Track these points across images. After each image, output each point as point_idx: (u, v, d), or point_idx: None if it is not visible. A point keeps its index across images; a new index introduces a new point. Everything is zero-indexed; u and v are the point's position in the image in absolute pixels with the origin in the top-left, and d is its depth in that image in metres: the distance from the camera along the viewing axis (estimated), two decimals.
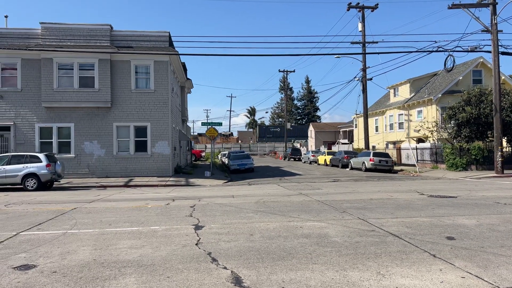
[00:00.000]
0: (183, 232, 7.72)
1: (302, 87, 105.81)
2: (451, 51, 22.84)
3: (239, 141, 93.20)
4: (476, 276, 4.88)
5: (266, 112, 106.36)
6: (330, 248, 6.32)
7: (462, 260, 5.56)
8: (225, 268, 5.43)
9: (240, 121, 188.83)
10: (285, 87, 75.15)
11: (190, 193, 15.39)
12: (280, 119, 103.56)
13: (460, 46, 22.83)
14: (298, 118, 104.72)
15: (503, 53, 23.29)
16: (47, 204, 12.39)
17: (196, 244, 6.73)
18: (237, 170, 30.20)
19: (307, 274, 5.08)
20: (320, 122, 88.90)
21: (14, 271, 5.45)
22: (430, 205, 10.67)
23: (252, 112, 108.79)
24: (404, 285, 4.63)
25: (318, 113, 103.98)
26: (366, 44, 32.52)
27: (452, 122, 26.99)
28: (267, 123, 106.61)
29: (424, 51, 23.28)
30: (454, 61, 22.49)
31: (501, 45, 22.95)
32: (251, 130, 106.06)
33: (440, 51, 22.94)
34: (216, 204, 11.70)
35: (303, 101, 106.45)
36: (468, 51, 22.99)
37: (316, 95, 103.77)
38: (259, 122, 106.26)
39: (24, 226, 8.54)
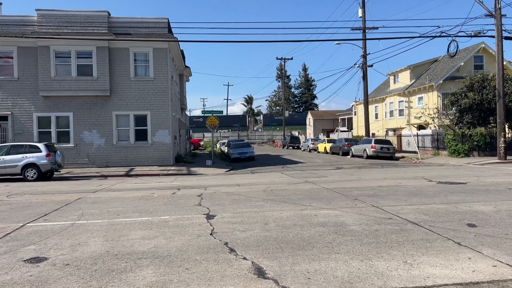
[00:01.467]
0: (195, 221, 7.52)
1: (300, 75, 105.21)
2: (454, 36, 22.54)
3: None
4: (508, 265, 4.71)
5: (266, 100, 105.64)
6: (349, 236, 6.14)
7: (490, 247, 5.39)
8: (244, 258, 5.24)
9: (236, 110, 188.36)
10: (283, 75, 74.64)
11: (194, 182, 15.18)
12: (277, 107, 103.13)
13: (463, 31, 22.51)
14: (295, 106, 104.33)
15: (507, 38, 23.02)
16: (50, 195, 12.15)
17: (211, 234, 6.53)
18: (238, 159, 29.99)
19: (331, 264, 4.89)
20: (317, 110, 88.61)
21: (25, 264, 5.23)
22: (441, 191, 10.52)
23: (249, 100, 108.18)
24: (434, 274, 4.45)
25: (316, 101, 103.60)
26: (367, 30, 32.13)
27: (454, 108, 26.81)
28: (264, 111, 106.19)
29: (427, 36, 22.95)
30: (457, 46, 22.21)
31: (504, 30, 22.66)
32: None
33: (443, 36, 22.64)
34: (223, 193, 11.50)
35: (300, 89, 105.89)
36: (471, 36, 22.70)
37: (313, 83, 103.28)
38: (256, 110, 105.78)
39: (30, 217, 8.31)
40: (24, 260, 5.39)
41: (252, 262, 5.06)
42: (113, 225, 7.40)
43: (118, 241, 6.30)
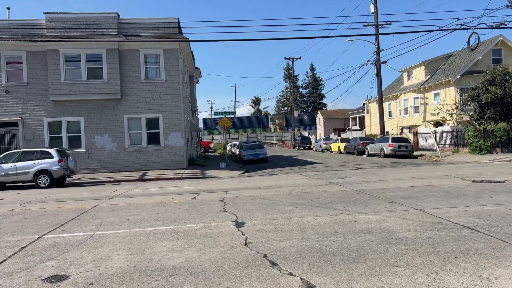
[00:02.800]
0: (225, 230, 6.89)
1: (307, 75, 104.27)
2: (474, 28, 21.68)
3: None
4: None
5: (275, 100, 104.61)
6: (403, 245, 5.48)
7: None
8: (291, 274, 4.60)
9: (243, 112, 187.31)
10: (291, 75, 73.93)
11: (212, 186, 14.58)
12: (285, 108, 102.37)
13: (484, 23, 21.64)
14: (303, 106, 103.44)
15: None
16: (64, 202, 11.61)
17: (245, 245, 5.91)
18: (251, 161, 29.36)
19: (394, 280, 4.24)
20: (326, 109, 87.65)
21: (44, 284, 4.65)
22: (483, 191, 9.79)
23: (256, 101, 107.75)
24: None
25: (324, 101, 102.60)
26: (380, 26, 31.36)
27: (474, 103, 25.91)
28: (272, 112, 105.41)
29: (446, 30, 22.10)
30: (478, 38, 21.35)
31: None
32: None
33: (463, 28, 21.76)
34: (246, 197, 10.87)
35: (308, 89, 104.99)
36: (492, 28, 21.83)
37: (321, 82, 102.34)
38: (263, 111, 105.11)
39: (46, 228, 7.75)
40: (43, 279, 4.82)
41: (301, 279, 4.42)
42: (136, 236, 6.81)
43: (144, 254, 5.70)
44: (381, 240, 5.78)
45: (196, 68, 34.12)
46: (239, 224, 7.29)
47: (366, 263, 4.85)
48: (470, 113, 26.92)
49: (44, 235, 7.19)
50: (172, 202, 10.56)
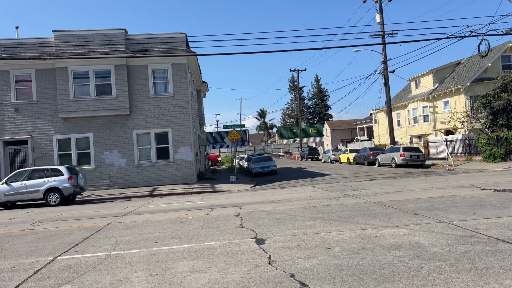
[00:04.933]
0: (246, 248, 6.62)
1: (312, 86, 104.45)
2: (484, 35, 21.44)
3: (250, 144, 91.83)
4: None
5: (281, 112, 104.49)
6: (437, 262, 5.18)
7: None
8: None
9: (247, 125, 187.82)
10: (297, 86, 73.93)
11: (224, 201, 14.31)
12: (291, 120, 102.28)
13: (494, 30, 21.41)
14: (309, 117, 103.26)
15: None
16: (76, 220, 11.40)
17: (270, 263, 5.63)
18: (260, 173, 29.08)
19: None
20: (332, 120, 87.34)
21: None
22: (508, 201, 9.44)
23: (262, 114, 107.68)
24: None
25: (330, 111, 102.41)
26: (387, 36, 31.26)
27: (486, 110, 25.53)
28: (278, 124, 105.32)
29: (456, 37, 21.93)
30: (489, 45, 21.06)
31: None
32: (261, 132, 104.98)
33: (473, 35, 21.55)
34: (262, 211, 10.59)
35: (313, 100, 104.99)
36: (503, 34, 21.55)
37: (327, 93, 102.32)
38: (269, 124, 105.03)
39: (60, 249, 7.53)
40: None
41: None
42: (153, 255, 6.55)
43: (165, 275, 5.44)
44: (413, 256, 5.48)
45: (203, 82, 34.13)
46: (259, 241, 7.02)
47: (402, 281, 4.56)
48: (482, 121, 26.52)
49: (58, 256, 6.96)
50: (186, 218, 10.30)
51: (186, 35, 23.40)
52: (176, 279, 5.24)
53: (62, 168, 17.48)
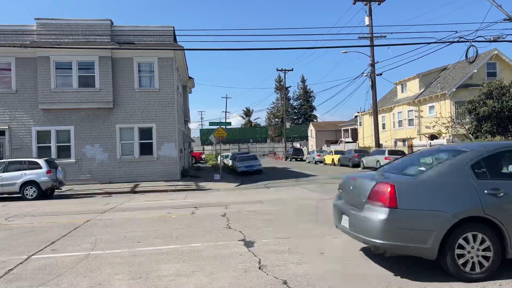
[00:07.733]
0: (234, 250, 6.30)
1: (298, 87, 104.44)
2: (472, 41, 21.59)
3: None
4: None
5: (267, 111, 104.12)
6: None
7: None
8: None
9: (233, 123, 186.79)
10: (283, 86, 73.87)
11: (209, 199, 13.93)
12: (276, 119, 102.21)
13: (482, 36, 21.54)
14: (294, 118, 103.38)
15: None
16: (54, 216, 10.87)
17: (260, 268, 5.34)
18: (246, 172, 28.73)
19: None
20: (317, 121, 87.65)
21: None
22: None
23: (247, 113, 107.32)
24: None
25: (315, 113, 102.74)
26: (375, 39, 31.30)
27: (471, 116, 25.74)
28: (262, 123, 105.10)
29: (444, 42, 21.95)
30: (477, 51, 21.21)
31: None
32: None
33: (461, 41, 21.64)
34: (249, 212, 10.28)
35: (299, 101, 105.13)
36: (490, 41, 21.69)
37: (312, 94, 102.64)
38: (254, 123, 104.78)
39: (35, 246, 7.06)
40: None
41: None
42: (136, 256, 6.17)
43: (148, 279, 5.08)
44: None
45: (190, 77, 33.61)
46: (248, 244, 6.71)
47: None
48: (467, 127, 26.74)
49: (33, 255, 6.50)
50: (170, 217, 9.91)
51: (174, 28, 22.86)
52: (160, 284, 4.89)
53: (41, 161, 16.81)
